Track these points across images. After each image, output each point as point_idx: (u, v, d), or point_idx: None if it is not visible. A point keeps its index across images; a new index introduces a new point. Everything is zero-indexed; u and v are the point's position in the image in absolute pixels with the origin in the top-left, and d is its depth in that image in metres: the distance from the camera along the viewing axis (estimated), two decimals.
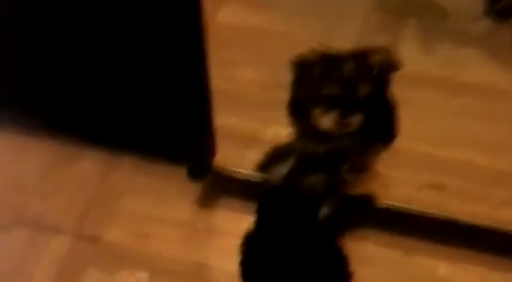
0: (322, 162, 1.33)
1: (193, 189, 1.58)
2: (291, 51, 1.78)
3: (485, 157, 1.62)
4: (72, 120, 1.65)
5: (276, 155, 1.39)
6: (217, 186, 1.58)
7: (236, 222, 1.50)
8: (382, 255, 1.46)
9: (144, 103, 1.52)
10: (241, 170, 1.56)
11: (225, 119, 1.67)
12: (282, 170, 1.34)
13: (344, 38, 1.86)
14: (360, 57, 1.30)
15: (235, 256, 1.37)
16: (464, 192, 1.57)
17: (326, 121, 1.29)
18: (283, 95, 1.60)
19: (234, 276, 1.34)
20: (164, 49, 1.36)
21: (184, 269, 1.47)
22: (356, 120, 1.29)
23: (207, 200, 1.57)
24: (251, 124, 1.71)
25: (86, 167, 1.66)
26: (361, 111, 1.29)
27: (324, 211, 1.31)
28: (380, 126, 1.35)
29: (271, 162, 1.39)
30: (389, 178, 1.53)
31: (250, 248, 1.33)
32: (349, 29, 1.93)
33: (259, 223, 1.33)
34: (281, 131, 1.63)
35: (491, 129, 1.69)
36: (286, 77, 1.70)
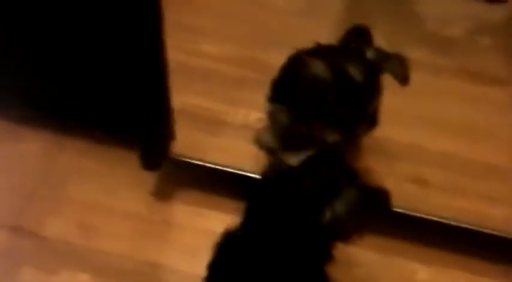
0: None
1: (149, 178, 1.43)
2: (267, 23, 1.68)
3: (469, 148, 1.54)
4: (15, 92, 1.49)
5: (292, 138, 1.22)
6: (176, 176, 1.44)
7: (196, 217, 1.39)
8: (361, 258, 1.37)
9: (91, 75, 1.37)
10: (205, 158, 1.41)
11: (187, 98, 1.55)
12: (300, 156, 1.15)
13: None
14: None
15: (194, 255, 1.27)
16: (448, 186, 1.48)
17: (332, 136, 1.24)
18: (258, 75, 1.48)
19: (191, 278, 1.18)
20: (113, 13, 1.20)
21: (133, 269, 1.34)
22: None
23: (164, 191, 1.43)
24: (218, 105, 1.57)
25: (28, 149, 1.50)
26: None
27: (336, 208, 1.09)
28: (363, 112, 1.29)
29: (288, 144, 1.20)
30: (368, 171, 1.44)
31: (227, 249, 1.14)
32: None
33: (246, 221, 1.14)
34: (252, 114, 1.53)
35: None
36: (262, 53, 1.61)
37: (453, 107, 1.59)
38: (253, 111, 1.53)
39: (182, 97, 1.50)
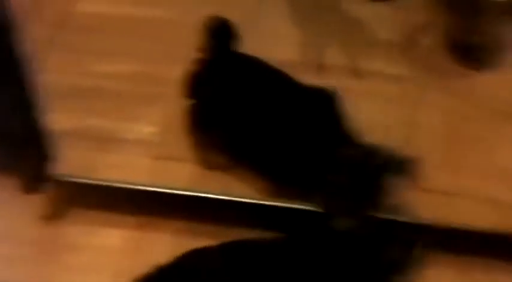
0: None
1: (39, 201, 1.39)
2: (162, 38, 1.66)
3: None
4: None
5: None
6: (67, 197, 1.40)
7: (89, 236, 1.36)
8: None
9: None
10: (98, 176, 1.39)
11: (80, 119, 1.54)
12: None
13: None
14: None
15: (88, 273, 1.26)
16: None
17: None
18: (152, 89, 1.47)
19: None
20: None
21: None
22: None
23: (54, 213, 1.39)
24: (112, 123, 1.54)
25: None
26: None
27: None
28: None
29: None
30: None
31: None
32: None
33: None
34: (144, 129, 1.52)
35: None
36: (156, 68, 1.60)
37: None
38: (148, 126, 1.52)
39: (75, 118, 1.53)
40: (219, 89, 1.35)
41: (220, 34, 1.32)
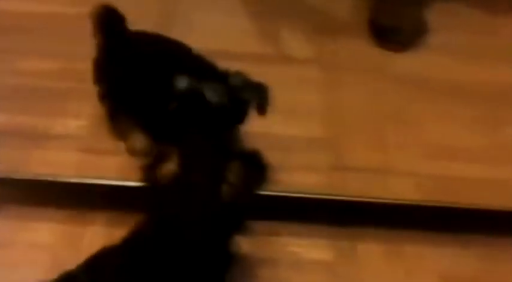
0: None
1: None
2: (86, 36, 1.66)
3: None
4: None
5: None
6: None
7: (19, 232, 1.34)
8: None
9: None
10: (26, 172, 1.38)
11: (7, 117, 1.52)
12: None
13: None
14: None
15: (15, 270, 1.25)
16: None
17: None
18: (77, 85, 1.47)
19: None
20: None
21: None
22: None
23: None
24: (39, 119, 1.53)
25: None
26: None
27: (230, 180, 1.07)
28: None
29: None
30: None
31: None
32: None
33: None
34: (73, 123, 1.52)
35: None
36: (81, 64, 1.58)
37: None
38: (74, 120, 1.52)
39: (3, 116, 1.51)
40: (118, 70, 1.40)
41: (106, 19, 1.38)
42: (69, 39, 1.67)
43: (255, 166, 1.09)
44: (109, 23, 1.38)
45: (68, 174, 1.37)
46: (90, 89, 1.51)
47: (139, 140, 1.42)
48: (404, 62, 1.73)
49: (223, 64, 1.40)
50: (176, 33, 1.46)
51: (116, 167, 1.43)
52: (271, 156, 1.46)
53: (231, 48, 1.67)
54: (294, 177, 1.44)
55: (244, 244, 1.28)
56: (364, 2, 1.85)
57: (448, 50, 1.75)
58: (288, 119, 1.56)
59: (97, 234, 1.34)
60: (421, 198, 1.43)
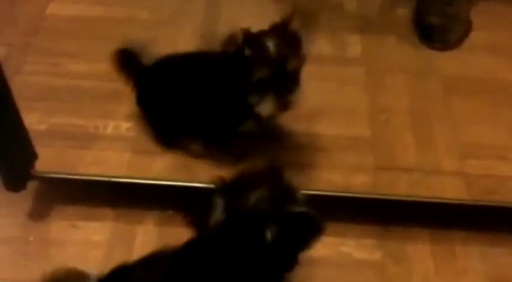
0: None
1: (22, 200, 1.40)
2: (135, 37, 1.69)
3: None
4: None
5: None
6: (50, 194, 1.42)
7: (72, 230, 1.37)
8: None
9: None
10: (76, 172, 1.41)
11: (57, 119, 1.56)
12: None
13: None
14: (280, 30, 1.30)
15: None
16: None
17: (266, 107, 1.30)
18: (120, 86, 1.49)
19: None
20: None
21: None
22: (294, 97, 1.29)
23: (38, 210, 1.40)
24: (89, 121, 1.56)
25: None
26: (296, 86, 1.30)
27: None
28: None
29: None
30: None
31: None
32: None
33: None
34: (122, 124, 1.55)
35: None
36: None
37: None
38: (124, 122, 1.55)
39: (52, 118, 1.55)
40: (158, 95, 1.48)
41: (124, 61, 1.48)
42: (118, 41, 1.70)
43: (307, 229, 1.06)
44: (127, 63, 1.48)
45: (119, 174, 1.40)
46: None
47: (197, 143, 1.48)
48: (449, 62, 1.73)
49: None
50: None
51: (164, 167, 1.46)
52: (315, 156, 1.53)
53: None
54: (340, 177, 1.45)
55: None
56: (406, 3, 1.86)
57: (492, 50, 1.75)
58: (332, 119, 1.57)
59: (148, 233, 1.36)
60: (470, 198, 1.42)
